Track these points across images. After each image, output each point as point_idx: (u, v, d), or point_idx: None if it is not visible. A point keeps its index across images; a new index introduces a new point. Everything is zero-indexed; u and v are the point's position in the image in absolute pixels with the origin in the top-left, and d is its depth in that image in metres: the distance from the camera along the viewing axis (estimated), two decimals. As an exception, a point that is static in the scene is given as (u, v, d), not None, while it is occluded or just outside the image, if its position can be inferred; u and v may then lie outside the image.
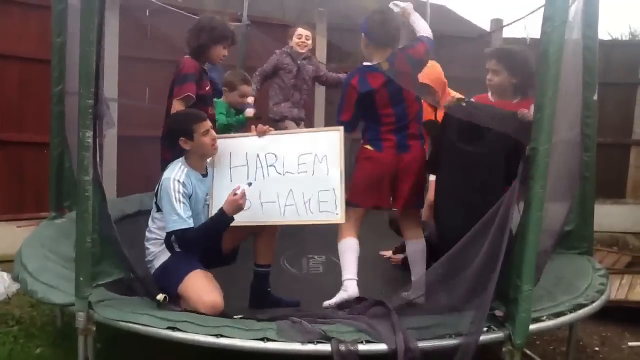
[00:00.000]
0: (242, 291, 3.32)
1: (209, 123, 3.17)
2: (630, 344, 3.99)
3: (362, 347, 2.44)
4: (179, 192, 3.01)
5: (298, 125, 5.14)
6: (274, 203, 3.17)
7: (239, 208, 2.98)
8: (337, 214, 3.09)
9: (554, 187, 2.85)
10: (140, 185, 5.31)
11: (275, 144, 3.30)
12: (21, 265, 3.14)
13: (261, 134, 3.34)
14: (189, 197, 3.07)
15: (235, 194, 2.97)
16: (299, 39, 5.02)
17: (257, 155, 3.28)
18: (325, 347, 2.42)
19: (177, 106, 3.54)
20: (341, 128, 3.24)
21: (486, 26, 7.28)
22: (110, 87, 5.05)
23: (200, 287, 2.96)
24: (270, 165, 3.25)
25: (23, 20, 5.09)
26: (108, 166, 5.40)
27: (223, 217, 2.99)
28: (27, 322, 3.85)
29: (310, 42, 5.12)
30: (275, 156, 3.26)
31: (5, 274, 4.33)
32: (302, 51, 5.08)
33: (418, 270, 3.33)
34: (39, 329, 3.74)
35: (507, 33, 6.94)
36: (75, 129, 2.65)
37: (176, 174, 3.07)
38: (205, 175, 3.24)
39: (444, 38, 5.74)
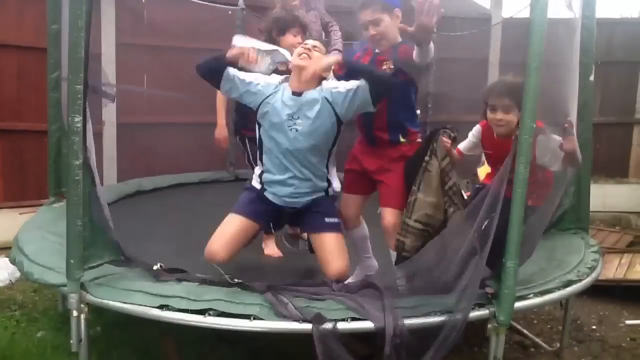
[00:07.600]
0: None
1: None
2: (627, 322, 4.00)
3: (346, 325, 2.44)
4: (256, 80, 3.00)
5: None
6: None
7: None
8: None
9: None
10: (141, 171, 5.36)
11: None
12: (18, 248, 3.19)
13: None
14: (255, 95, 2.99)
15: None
16: None
17: None
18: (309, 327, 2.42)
19: None
20: None
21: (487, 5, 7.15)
22: (108, 73, 5.08)
23: (219, 231, 3.03)
24: None
25: (20, 10, 5.09)
26: (108, 153, 5.44)
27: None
28: (29, 306, 3.89)
29: None
30: None
31: (8, 260, 4.39)
32: None
33: None
34: (41, 313, 3.77)
35: (507, 12, 6.88)
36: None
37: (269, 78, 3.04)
38: (298, 94, 2.96)
39: (445, 19, 5.66)
